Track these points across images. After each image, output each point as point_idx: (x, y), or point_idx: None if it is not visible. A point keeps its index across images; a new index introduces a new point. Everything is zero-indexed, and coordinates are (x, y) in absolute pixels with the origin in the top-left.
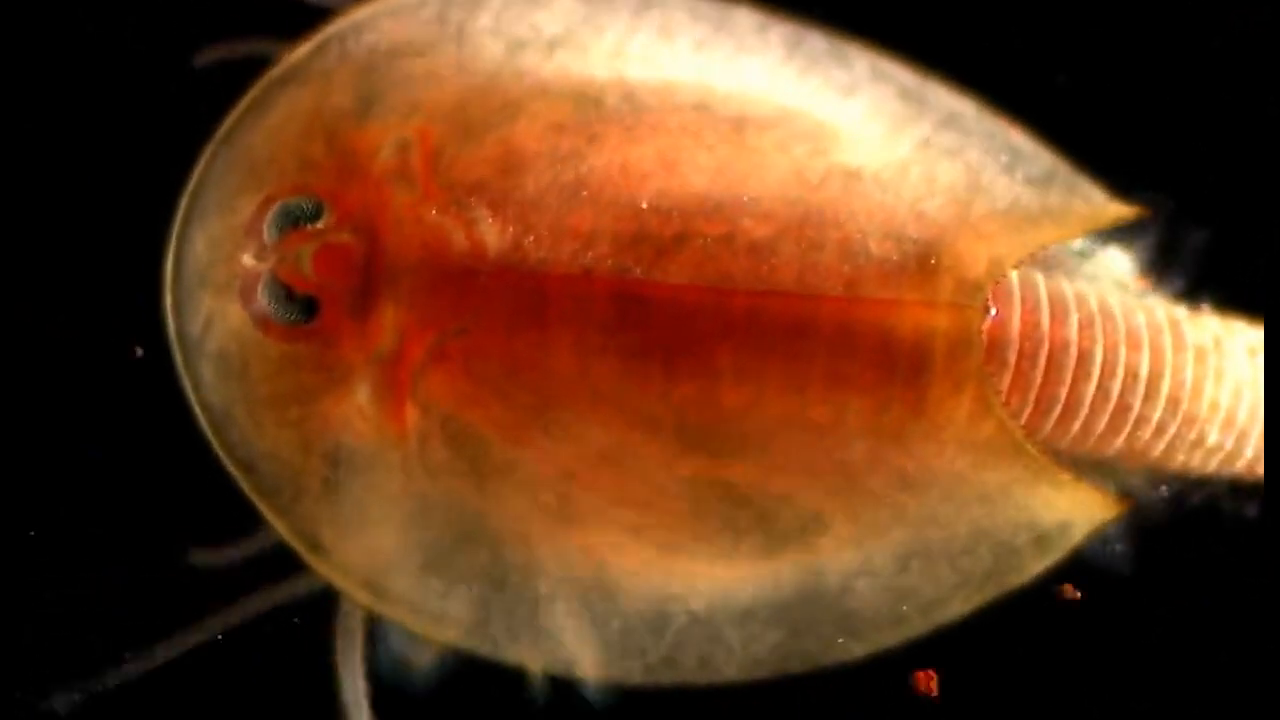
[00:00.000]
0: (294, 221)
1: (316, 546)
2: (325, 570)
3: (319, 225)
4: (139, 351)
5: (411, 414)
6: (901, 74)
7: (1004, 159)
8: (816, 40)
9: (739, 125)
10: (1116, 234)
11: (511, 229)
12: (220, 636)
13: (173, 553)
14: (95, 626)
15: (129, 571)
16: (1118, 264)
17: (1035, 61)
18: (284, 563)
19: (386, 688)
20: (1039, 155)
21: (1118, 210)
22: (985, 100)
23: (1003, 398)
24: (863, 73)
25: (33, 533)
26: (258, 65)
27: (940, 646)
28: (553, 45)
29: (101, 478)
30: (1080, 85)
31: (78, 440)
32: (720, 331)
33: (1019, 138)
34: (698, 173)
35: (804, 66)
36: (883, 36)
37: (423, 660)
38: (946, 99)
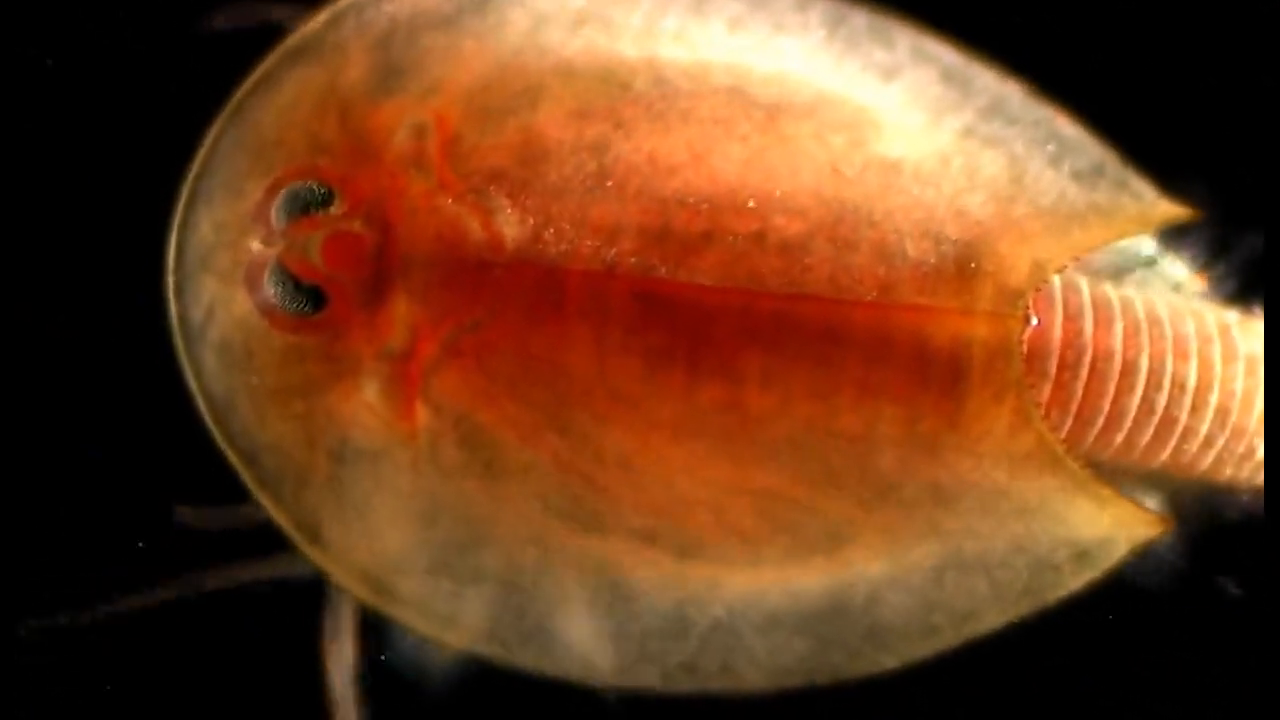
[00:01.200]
0: (303, 207)
1: (318, 540)
2: (325, 564)
3: (329, 212)
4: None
5: (422, 412)
6: (945, 54)
7: (1050, 150)
8: (858, 17)
9: (774, 113)
10: (1165, 232)
11: (531, 221)
12: (201, 601)
13: (161, 519)
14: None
15: (117, 538)
16: (1168, 264)
17: (1078, 38)
18: (274, 539)
19: (399, 688)
20: (1087, 146)
21: (1169, 209)
22: (1029, 81)
23: (1043, 410)
24: (905, 53)
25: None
26: (269, 35)
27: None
28: (579, 20)
29: (96, 461)
30: (1126, 64)
31: (71, 426)
32: (747, 334)
33: (1066, 125)
34: (729, 165)
35: (844, 47)
36: (920, 9)
37: (438, 663)
38: (991, 81)
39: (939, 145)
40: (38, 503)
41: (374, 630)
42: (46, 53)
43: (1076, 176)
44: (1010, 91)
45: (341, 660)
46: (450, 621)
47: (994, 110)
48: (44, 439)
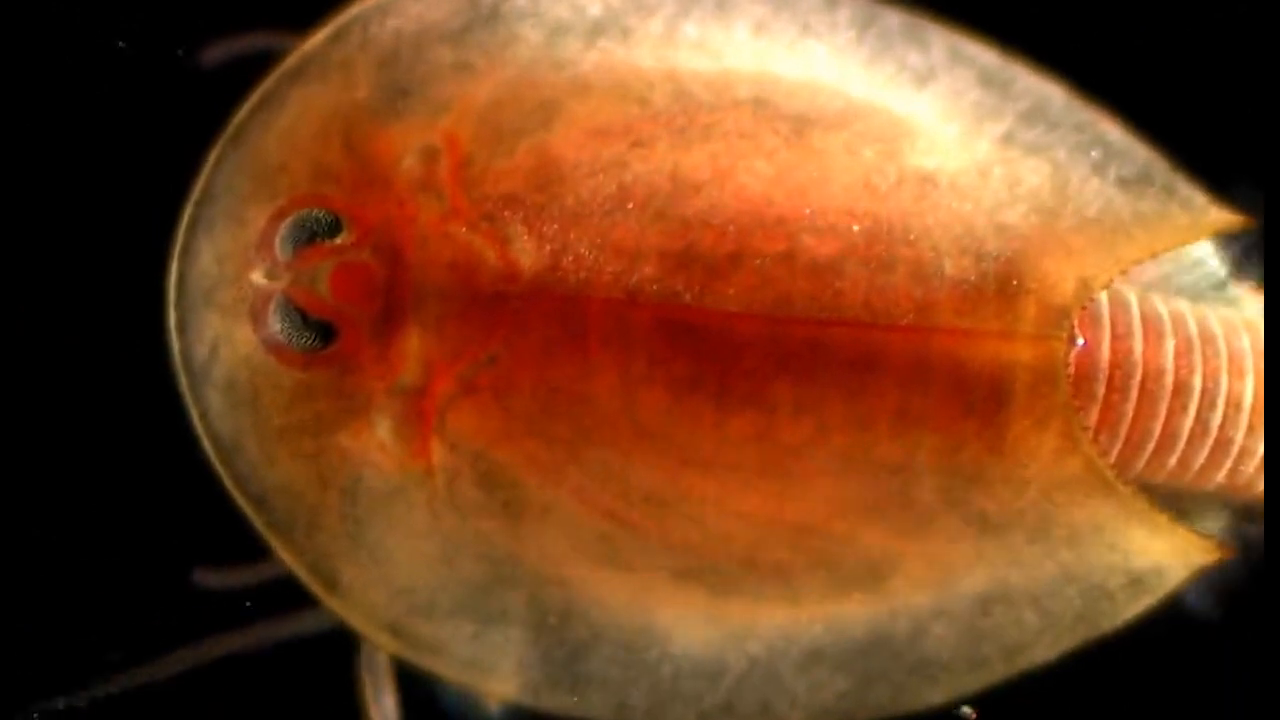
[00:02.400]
0: (309, 237)
1: (334, 586)
2: (343, 611)
3: (337, 242)
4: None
5: (438, 450)
6: (982, 54)
7: (1095, 156)
8: (890, 17)
9: (802, 125)
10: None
11: (548, 247)
12: (229, 664)
13: (179, 574)
14: (98, 647)
15: (133, 592)
16: (1217, 270)
17: (1121, 33)
18: (297, 593)
19: None
20: (1133, 150)
21: (1221, 217)
22: (1070, 82)
23: (1091, 434)
24: (940, 56)
25: (34, 550)
26: (269, 57)
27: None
28: (595, 30)
29: (106, 496)
30: (1173, 59)
31: (81, 457)
32: (778, 363)
33: (1111, 129)
34: (755, 182)
35: (876, 51)
36: (953, 7)
37: (485, 708)
38: (1032, 84)
39: (977, 155)
40: (46, 570)
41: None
42: (44, 71)
43: (1123, 184)
44: (1052, 93)
45: (384, 713)
46: (474, 665)
47: (1035, 115)
48: (51, 499)
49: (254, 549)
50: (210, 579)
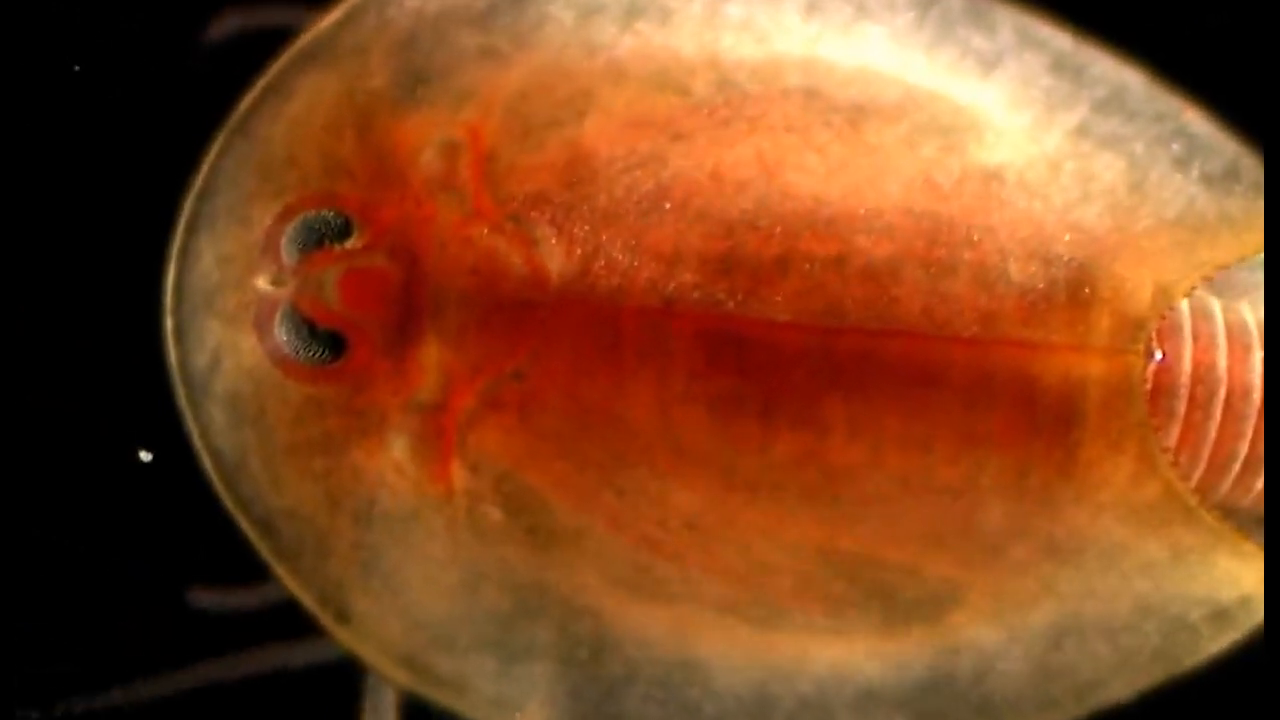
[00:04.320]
0: (318, 239)
1: (345, 616)
2: (354, 643)
3: (348, 245)
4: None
5: (458, 472)
6: (1054, 37)
7: (1176, 149)
8: None
9: (856, 117)
10: None
11: (579, 251)
12: (220, 692)
13: (172, 593)
14: (88, 666)
15: (124, 612)
16: None
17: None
18: (299, 618)
19: None
20: (1220, 144)
21: None
22: (1150, 67)
23: (1170, 455)
24: (1008, 38)
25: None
26: (277, 36)
27: None
28: (632, 11)
29: (98, 510)
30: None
31: (74, 470)
32: (829, 377)
33: (1195, 119)
34: (805, 179)
35: (938, 34)
36: None
37: None
38: (1108, 69)
39: (1048, 148)
40: (37, 585)
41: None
42: (39, 59)
43: (1207, 181)
44: (1130, 80)
45: None
46: (499, 704)
47: (1112, 104)
48: (43, 511)
49: (253, 568)
50: (205, 599)
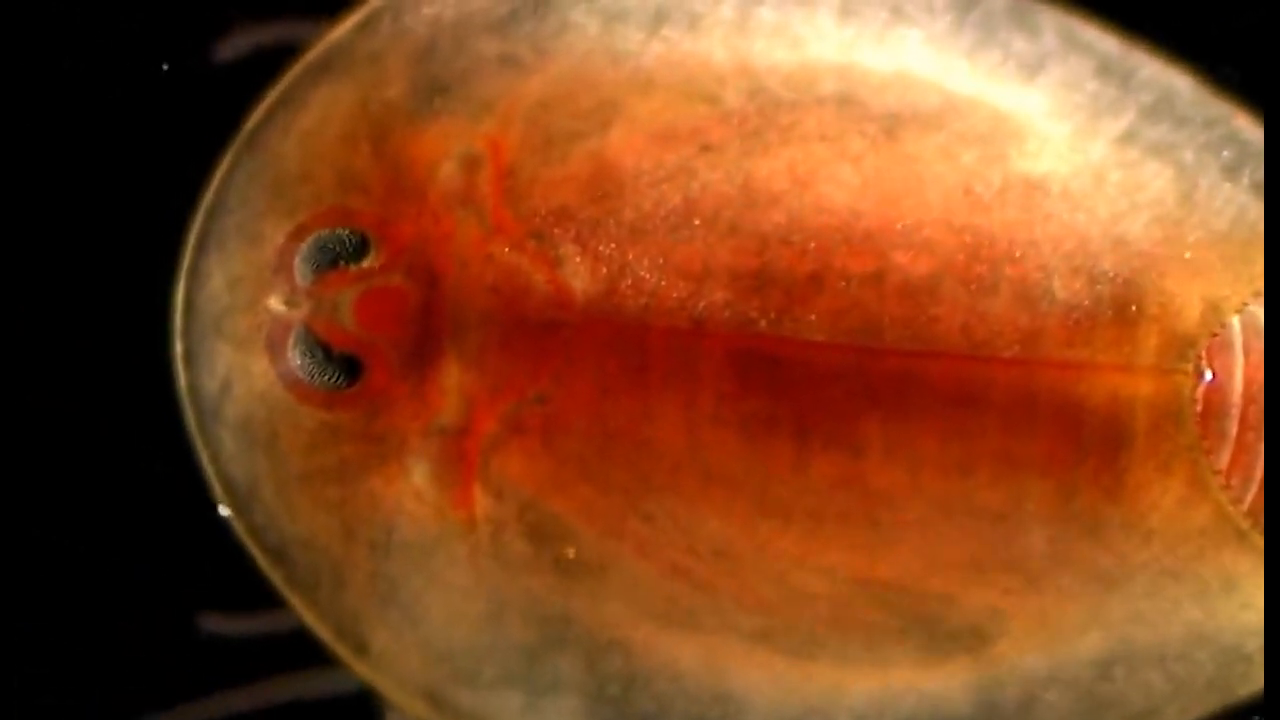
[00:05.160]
0: (333, 259)
1: (363, 649)
2: (372, 676)
3: (364, 264)
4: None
5: (481, 498)
6: (1099, 40)
7: (1227, 156)
8: None
9: (893, 125)
10: None
11: (604, 269)
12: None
13: (183, 619)
14: (104, 699)
15: (133, 638)
16: None
17: (1255, 17)
18: (313, 646)
19: None
20: None
21: None
22: (1199, 71)
23: (1222, 478)
24: (1052, 42)
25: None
26: (289, 49)
27: None
28: (658, 17)
29: (106, 535)
30: None
31: (80, 494)
32: (865, 399)
33: (1246, 125)
34: (840, 191)
35: (978, 37)
36: None
37: None
38: (1156, 73)
39: (1093, 157)
40: (45, 609)
41: None
42: (44, 72)
43: (1259, 190)
44: (1179, 85)
45: None
46: None
47: (1159, 109)
48: (49, 533)
49: (265, 593)
50: (216, 625)
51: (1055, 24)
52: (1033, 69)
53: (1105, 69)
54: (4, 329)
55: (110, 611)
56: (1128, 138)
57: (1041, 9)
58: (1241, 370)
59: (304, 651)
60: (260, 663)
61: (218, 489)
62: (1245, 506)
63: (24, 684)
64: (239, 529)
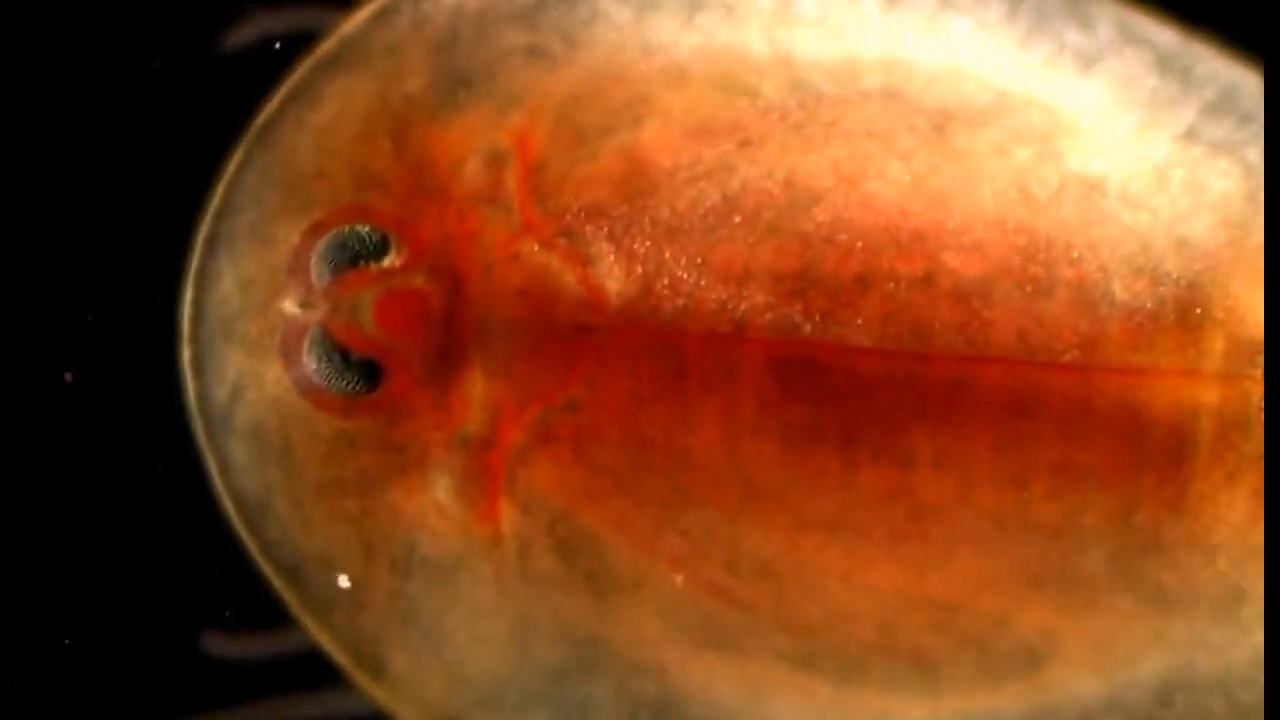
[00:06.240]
0: (351, 258)
1: (381, 672)
2: (390, 701)
3: (384, 264)
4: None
5: (507, 513)
6: (1159, 32)
7: None
8: None
9: (943, 121)
10: None
11: (639, 270)
12: None
13: (187, 638)
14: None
15: (137, 657)
16: None
17: None
18: (325, 669)
19: None
20: None
21: None
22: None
23: None
24: (1109, 34)
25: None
26: (302, 36)
27: None
28: (694, 4)
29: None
30: None
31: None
32: (915, 407)
33: None
34: (887, 189)
35: (1031, 28)
36: None
37: None
38: (1219, 67)
39: (1154, 155)
40: (48, 626)
41: None
42: (49, 63)
43: None
44: (1242, 79)
45: None
46: None
47: (1223, 105)
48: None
49: (274, 612)
50: (222, 646)
51: (1111, 15)
52: (1088, 62)
53: (1164, 63)
54: (4, 334)
55: (112, 626)
56: (1189, 135)
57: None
58: None
59: (316, 671)
60: (269, 681)
61: (228, 503)
62: None
63: (21, 703)
64: (250, 545)
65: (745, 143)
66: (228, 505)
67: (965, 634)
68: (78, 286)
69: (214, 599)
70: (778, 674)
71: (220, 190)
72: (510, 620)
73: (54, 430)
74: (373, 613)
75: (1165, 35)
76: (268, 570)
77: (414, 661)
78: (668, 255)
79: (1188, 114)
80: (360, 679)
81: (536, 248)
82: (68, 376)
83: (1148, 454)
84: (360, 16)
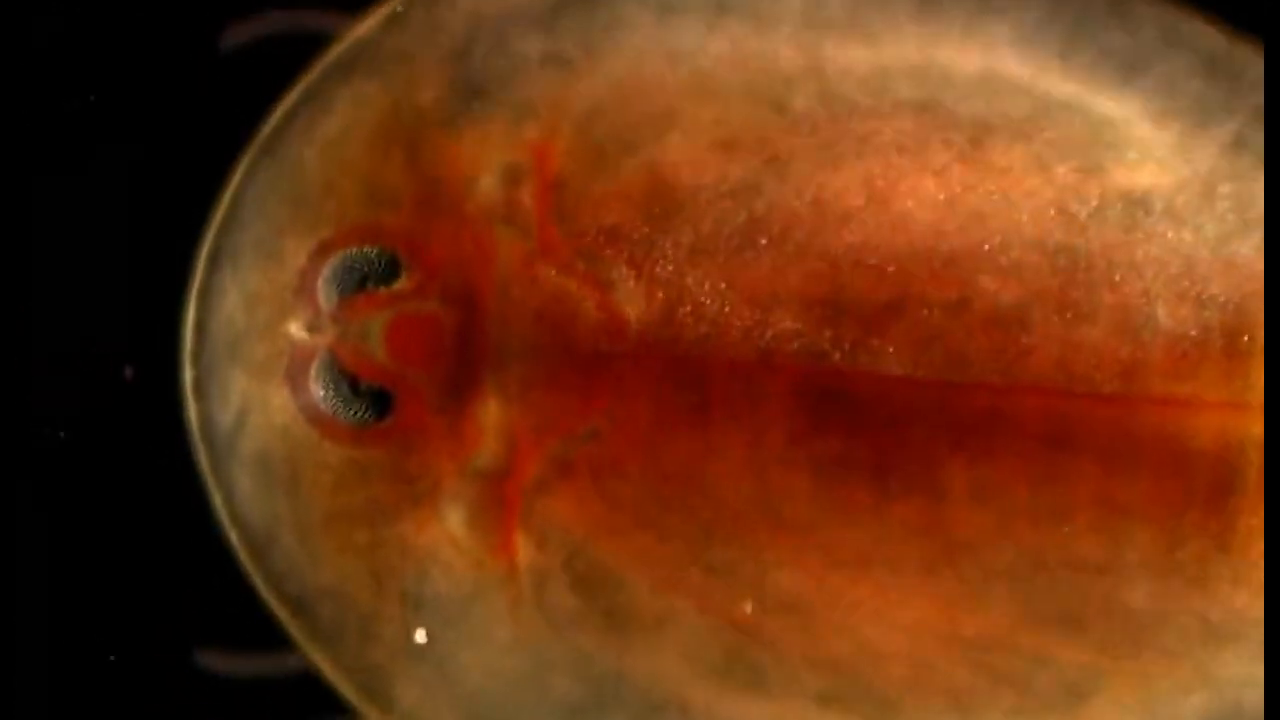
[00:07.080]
0: (360, 280)
1: (389, 707)
2: None
3: (394, 287)
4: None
5: (523, 546)
6: (1205, 36)
7: None
8: None
9: (979, 134)
10: None
11: (660, 294)
12: None
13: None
14: None
15: (132, 672)
16: None
17: None
18: (324, 691)
19: None
20: None
21: None
22: None
23: None
24: (1152, 37)
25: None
26: (309, 43)
27: None
28: (720, 8)
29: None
30: None
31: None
32: (950, 439)
33: None
34: (921, 208)
35: (1071, 34)
36: None
37: None
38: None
39: (1200, 167)
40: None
41: None
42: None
43: None
44: None
45: None
46: None
47: None
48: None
49: (272, 633)
50: (217, 663)
51: (1155, 19)
52: (1132, 68)
53: (1211, 67)
54: (3, 345)
55: (107, 643)
56: (1238, 144)
57: (1140, 1)
58: None
59: (316, 697)
60: (266, 706)
61: (232, 533)
62: None
63: (21, 713)
64: (255, 577)
65: (773, 159)
66: (232, 535)
67: (1003, 672)
68: (74, 302)
69: (211, 615)
70: (805, 714)
71: (225, 204)
72: (525, 657)
73: (52, 449)
74: (383, 647)
75: (1212, 37)
76: (272, 601)
77: (425, 697)
78: (690, 279)
79: (1236, 121)
80: (367, 712)
81: (554, 270)
82: (128, 372)
83: (1192, 488)
84: (371, 21)
